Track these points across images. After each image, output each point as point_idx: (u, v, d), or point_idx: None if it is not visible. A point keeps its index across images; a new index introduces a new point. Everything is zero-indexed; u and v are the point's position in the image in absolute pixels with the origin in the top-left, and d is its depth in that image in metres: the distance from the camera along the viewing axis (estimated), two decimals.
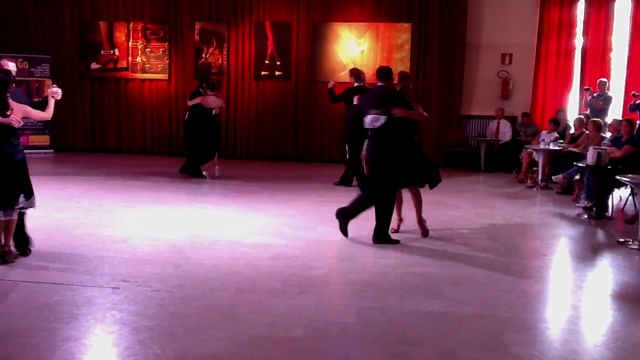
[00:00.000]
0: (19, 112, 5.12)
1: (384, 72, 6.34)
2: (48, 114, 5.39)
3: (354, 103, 8.20)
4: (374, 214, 6.12)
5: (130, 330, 3.82)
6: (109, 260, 5.31)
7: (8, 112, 4.99)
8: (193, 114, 9.92)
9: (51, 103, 5.37)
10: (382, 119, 6.02)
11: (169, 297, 4.43)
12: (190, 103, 9.94)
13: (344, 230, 6.20)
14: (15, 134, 5.13)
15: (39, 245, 5.54)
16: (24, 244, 5.38)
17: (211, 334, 3.80)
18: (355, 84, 9.12)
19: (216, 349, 3.61)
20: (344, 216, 6.20)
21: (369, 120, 6.14)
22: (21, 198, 5.11)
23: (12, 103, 5.11)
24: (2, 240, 5.14)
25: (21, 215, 5.30)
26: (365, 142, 6.45)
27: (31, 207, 5.25)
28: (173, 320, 3.99)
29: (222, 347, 3.64)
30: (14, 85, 5.24)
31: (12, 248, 5.25)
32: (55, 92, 5.39)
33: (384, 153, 6.08)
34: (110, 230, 6.32)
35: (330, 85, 9.73)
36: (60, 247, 5.63)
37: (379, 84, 6.32)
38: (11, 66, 5.51)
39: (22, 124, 5.13)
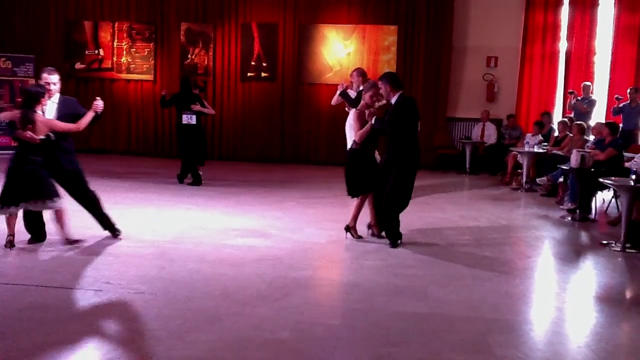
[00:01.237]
0: (44, 127, 5.31)
1: (400, 80, 6.33)
2: (79, 125, 5.52)
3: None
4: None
5: (112, 333, 3.79)
6: (93, 262, 5.27)
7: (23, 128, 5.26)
8: (198, 118, 9.45)
9: (88, 115, 5.54)
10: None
11: (153, 299, 4.39)
12: (206, 110, 9.50)
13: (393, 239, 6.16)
14: (37, 147, 5.30)
15: (22, 247, 5.51)
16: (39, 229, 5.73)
17: (195, 336, 3.78)
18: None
19: (200, 351, 3.58)
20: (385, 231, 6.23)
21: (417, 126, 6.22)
22: (21, 204, 5.34)
23: (39, 117, 5.31)
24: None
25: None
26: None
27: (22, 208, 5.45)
28: (156, 323, 3.96)
29: (206, 349, 3.61)
30: (44, 100, 5.37)
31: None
32: (96, 105, 5.54)
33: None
34: (93, 232, 6.26)
35: (342, 87, 8.22)
36: (43, 249, 5.57)
37: (400, 92, 6.15)
38: (52, 79, 5.52)
39: (37, 140, 5.26)
